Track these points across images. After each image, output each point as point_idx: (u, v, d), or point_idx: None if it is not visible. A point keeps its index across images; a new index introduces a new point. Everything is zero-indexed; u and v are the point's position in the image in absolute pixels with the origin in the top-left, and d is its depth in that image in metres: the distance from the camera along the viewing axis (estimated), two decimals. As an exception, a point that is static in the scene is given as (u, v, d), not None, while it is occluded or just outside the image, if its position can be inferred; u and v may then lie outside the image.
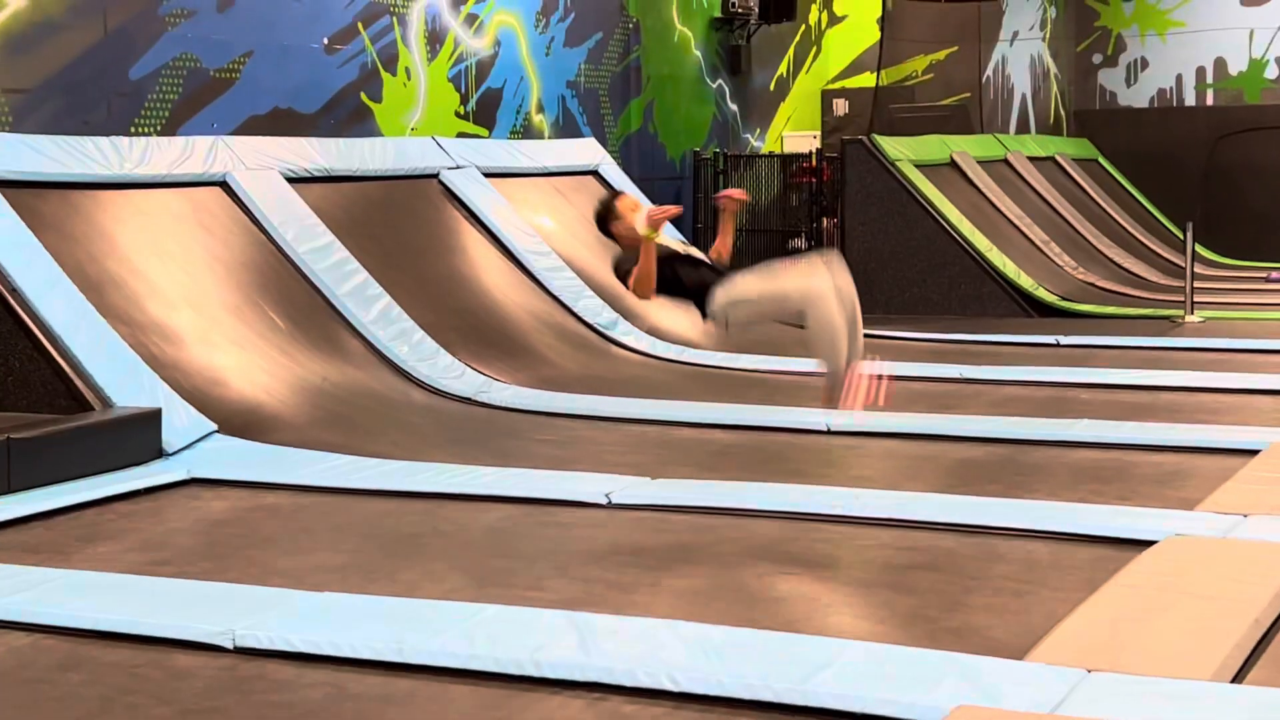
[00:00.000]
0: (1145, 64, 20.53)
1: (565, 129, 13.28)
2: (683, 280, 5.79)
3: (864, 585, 4.98)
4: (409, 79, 11.52)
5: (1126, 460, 7.19)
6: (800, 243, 15.22)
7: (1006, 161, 17.39)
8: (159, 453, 7.06)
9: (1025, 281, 14.07)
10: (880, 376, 5.50)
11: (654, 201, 13.30)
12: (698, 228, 14.93)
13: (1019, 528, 5.68)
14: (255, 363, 8.31)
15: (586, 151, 13.07)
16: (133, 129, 9.31)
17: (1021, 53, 19.77)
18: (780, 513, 5.99)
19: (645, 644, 4.29)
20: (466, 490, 6.45)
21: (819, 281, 5.44)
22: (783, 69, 17.03)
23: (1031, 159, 18.03)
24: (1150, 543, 5.32)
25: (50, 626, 4.66)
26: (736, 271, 5.80)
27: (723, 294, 5.68)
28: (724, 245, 6.00)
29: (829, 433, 7.98)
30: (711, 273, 5.80)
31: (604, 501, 6.18)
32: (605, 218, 5.97)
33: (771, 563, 5.26)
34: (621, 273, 5.85)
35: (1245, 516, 5.71)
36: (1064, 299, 14.14)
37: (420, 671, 4.27)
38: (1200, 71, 20.18)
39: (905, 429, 7.95)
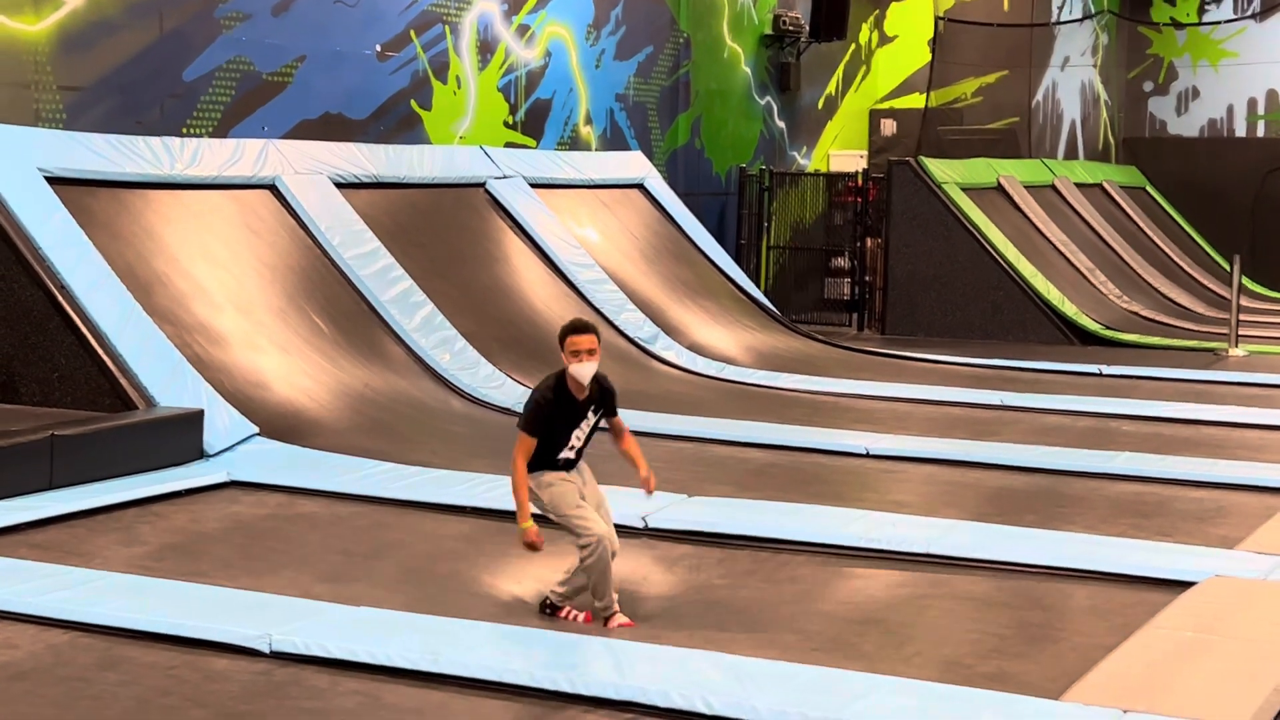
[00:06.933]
0: (1196, 93, 20.41)
1: (613, 142, 13.30)
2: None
3: (899, 634, 4.93)
4: (459, 87, 11.56)
5: (1167, 495, 7.14)
6: (844, 261, 15.19)
7: (1054, 187, 17.31)
8: (200, 453, 7.10)
9: (1069, 308, 14.00)
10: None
11: (698, 217, 13.34)
12: (741, 244, 14.93)
13: (1057, 566, 5.63)
14: (298, 366, 8.35)
15: (633, 165, 13.09)
16: (185, 130, 9.38)
17: (1072, 78, 19.69)
18: (817, 545, 5.96)
19: (680, 668, 4.29)
20: (504, 505, 6.43)
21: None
22: (831, 88, 17.02)
23: (1079, 185, 17.94)
24: (1190, 583, 5.28)
25: (89, 625, 4.70)
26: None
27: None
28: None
29: (867, 455, 7.96)
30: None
31: (640, 525, 6.16)
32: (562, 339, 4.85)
33: (807, 607, 5.20)
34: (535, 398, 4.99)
35: (1286, 558, 5.66)
36: (1107, 327, 14.06)
37: (454, 684, 4.28)
38: (1252, 103, 20.04)
39: (944, 455, 7.93)
